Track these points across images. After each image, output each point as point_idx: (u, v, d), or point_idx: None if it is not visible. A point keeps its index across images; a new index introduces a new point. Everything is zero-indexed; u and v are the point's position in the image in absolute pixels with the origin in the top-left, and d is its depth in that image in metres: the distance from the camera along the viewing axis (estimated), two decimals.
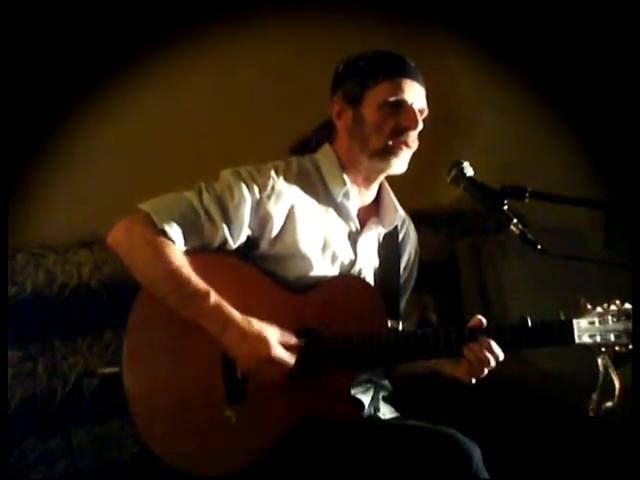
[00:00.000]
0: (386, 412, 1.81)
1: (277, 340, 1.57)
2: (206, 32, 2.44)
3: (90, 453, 2.09)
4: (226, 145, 2.48)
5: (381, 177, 1.81)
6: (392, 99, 1.70)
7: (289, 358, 1.58)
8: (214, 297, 1.58)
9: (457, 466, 1.52)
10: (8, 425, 1.93)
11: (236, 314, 1.58)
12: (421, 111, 1.74)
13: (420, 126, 1.72)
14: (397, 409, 1.85)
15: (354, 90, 1.73)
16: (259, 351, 1.55)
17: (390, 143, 1.71)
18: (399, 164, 1.74)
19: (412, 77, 1.72)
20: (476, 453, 1.54)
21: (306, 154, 1.83)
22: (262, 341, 1.56)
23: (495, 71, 2.97)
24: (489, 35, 2.89)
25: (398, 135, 1.71)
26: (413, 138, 1.73)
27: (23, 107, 2.11)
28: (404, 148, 1.72)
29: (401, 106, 1.71)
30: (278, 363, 1.57)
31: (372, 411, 1.78)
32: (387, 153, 1.72)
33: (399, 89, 1.70)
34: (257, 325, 1.57)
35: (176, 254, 1.61)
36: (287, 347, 1.59)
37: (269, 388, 1.60)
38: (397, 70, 1.72)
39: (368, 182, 1.80)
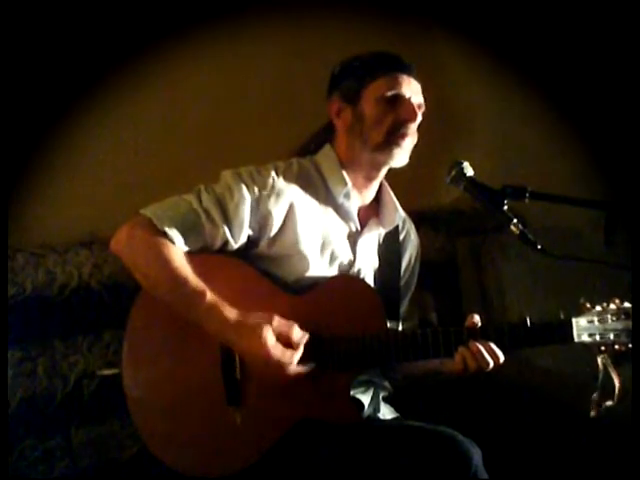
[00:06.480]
0: (386, 412, 1.81)
1: (276, 334, 1.53)
2: (204, 34, 2.44)
3: (90, 453, 2.09)
4: (226, 145, 2.48)
5: (382, 172, 1.80)
6: (390, 93, 1.71)
7: (288, 357, 1.54)
8: (210, 296, 1.57)
9: (457, 467, 1.52)
10: (8, 425, 1.93)
11: (232, 313, 1.56)
12: (419, 106, 1.75)
13: (419, 119, 1.73)
14: (397, 409, 1.85)
15: (352, 88, 1.74)
16: (259, 351, 1.52)
17: (390, 137, 1.71)
18: (401, 155, 1.73)
19: (408, 73, 1.74)
20: (476, 454, 1.54)
21: (307, 156, 1.83)
22: (260, 342, 1.51)
23: (495, 71, 2.97)
24: (489, 35, 2.89)
25: (398, 128, 1.71)
26: (412, 130, 1.73)
27: (23, 107, 2.11)
28: (405, 138, 1.72)
29: (399, 100, 1.71)
30: (277, 365, 1.54)
31: (372, 411, 1.78)
32: (389, 144, 1.71)
33: (396, 83, 1.72)
34: (253, 322, 1.53)
35: (176, 254, 1.60)
36: (288, 342, 1.54)
37: (268, 389, 1.60)
38: (393, 66, 1.73)
39: (369, 180, 1.80)
